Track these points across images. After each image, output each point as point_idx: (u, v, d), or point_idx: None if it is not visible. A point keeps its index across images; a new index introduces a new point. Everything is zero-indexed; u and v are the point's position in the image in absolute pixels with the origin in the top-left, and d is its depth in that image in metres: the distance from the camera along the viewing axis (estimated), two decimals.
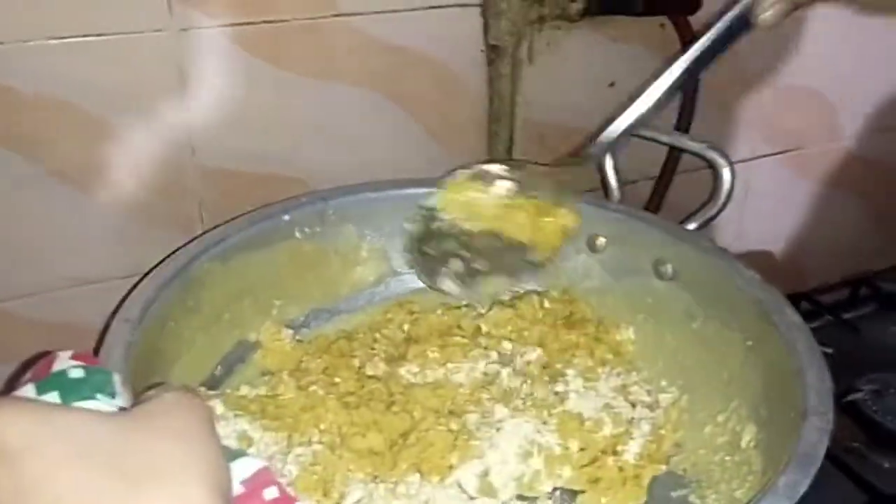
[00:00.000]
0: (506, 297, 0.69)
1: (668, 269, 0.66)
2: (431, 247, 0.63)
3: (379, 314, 0.71)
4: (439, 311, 0.70)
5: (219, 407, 0.57)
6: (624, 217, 0.69)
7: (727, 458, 0.57)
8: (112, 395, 0.33)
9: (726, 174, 0.66)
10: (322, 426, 0.58)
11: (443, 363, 0.63)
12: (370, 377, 0.62)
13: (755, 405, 0.56)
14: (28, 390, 0.33)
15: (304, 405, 0.59)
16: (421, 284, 0.73)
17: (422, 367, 0.63)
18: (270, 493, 0.33)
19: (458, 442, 0.56)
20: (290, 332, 0.68)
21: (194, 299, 0.61)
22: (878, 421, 0.70)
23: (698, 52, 0.60)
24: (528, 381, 0.62)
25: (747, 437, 0.56)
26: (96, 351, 0.53)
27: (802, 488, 0.42)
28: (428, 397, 0.60)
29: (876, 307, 0.82)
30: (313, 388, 0.60)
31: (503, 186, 0.61)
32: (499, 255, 0.61)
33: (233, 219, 0.66)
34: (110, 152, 0.66)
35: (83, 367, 0.34)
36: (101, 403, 0.33)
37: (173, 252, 0.62)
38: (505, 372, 0.63)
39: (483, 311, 0.69)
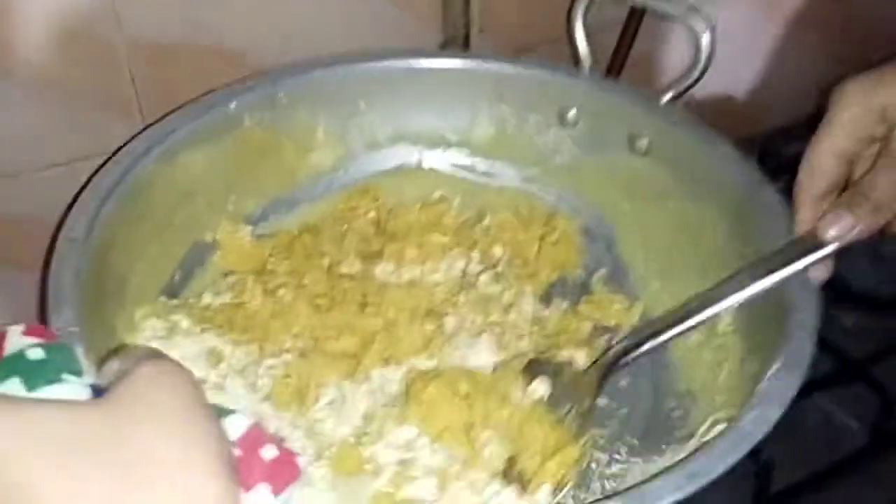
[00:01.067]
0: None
1: (644, 143, 0.63)
2: None
3: (341, 202, 0.67)
4: (418, 207, 0.66)
5: (183, 321, 0.54)
6: (596, 88, 0.65)
7: (703, 340, 0.57)
8: (78, 372, 0.30)
9: (705, 40, 0.61)
10: (294, 331, 0.56)
11: (421, 262, 0.61)
12: (342, 276, 0.60)
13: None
14: None
15: (274, 311, 0.57)
16: (383, 167, 0.70)
17: (397, 266, 0.61)
18: (269, 452, 0.31)
19: (431, 345, 0.55)
20: (249, 228, 0.64)
21: (142, 205, 0.57)
22: (841, 278, 0.69)
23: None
24: (511, 290, 0.60)
25: (726, 320, 0.55)
26: (44, 275, 0.49)
27: (792, 391, 0.42)
28: (403, 298, 0.58)
29: None
30: (281, 292, 0.57)
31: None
32: None
33: (173, 111, 0.61)
34: (24, 27, 0.58)
35: (41, 345, 0.31)
36: (71, 385, 0.30)
37: (113, 154, 0.57)
38: (484, 278, 0.60)
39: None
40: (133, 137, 0.58)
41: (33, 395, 0.29)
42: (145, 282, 0.57)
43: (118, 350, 0.33)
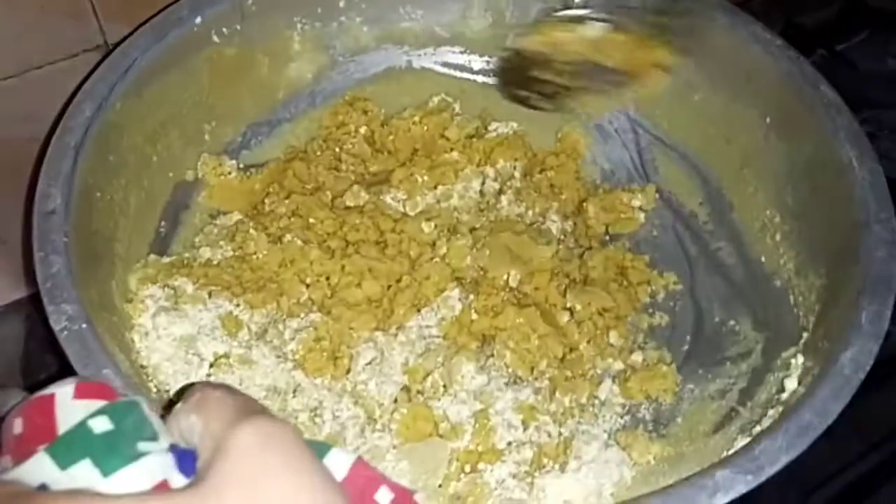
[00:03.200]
0: None
1: None
2: (519, 81, 0.53)
3: (327, 118, 0.60)
4: (416, 119, 0.59)
5: (187, 285, 0.48)
6: None
7: None
8: (154, 435, 0.25)
9: None
10: (308, 280, 0.51)
11: (433, 187, 0.55)
12: (349, 209, 0.54)
13: (777, 191, 0.52)
14: (41, 462, 0.24)
15: (283, 260, 0.51)
16: (371, 72, 0.62)
17: (410, 194, 0.55)
18: (383, 496, 0.27)
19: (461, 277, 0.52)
20: (233, 162, 0.57)
21: (115, 151, 0.49)
22: None
23: None
24: (534, 209, 0.55)
25: (769, 229, 0.52)
26: (26, 256, 0.42)
27: (885, 320, 0.40)
28: (422, 231, 0.52)
29: (868, 32, 0.75)
30: (288, 237, 0.51)
31: (594, 26, 0.49)
32: (591, 74, 0.51)
33: (131, 33, 0.52)
34: None
35: (104, 410, 0.25)
36: (152, 459, 0.24)
37: (72, 96, 0.48)
38: (505, 198, 0.56)
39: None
40: (88, 76, 0.49)
41: (111, 479, 0.24)
42: (132, 240, 0.50)
43: (184, 391, 0.27)
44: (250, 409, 0.25)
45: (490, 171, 0.57)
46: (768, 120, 0.53)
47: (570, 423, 0.48)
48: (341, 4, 0.59)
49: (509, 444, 0.45)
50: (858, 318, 0.40)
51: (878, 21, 0.75)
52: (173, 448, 0.25)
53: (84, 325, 0.38)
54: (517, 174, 0.57)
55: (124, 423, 0.25)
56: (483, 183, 0.56)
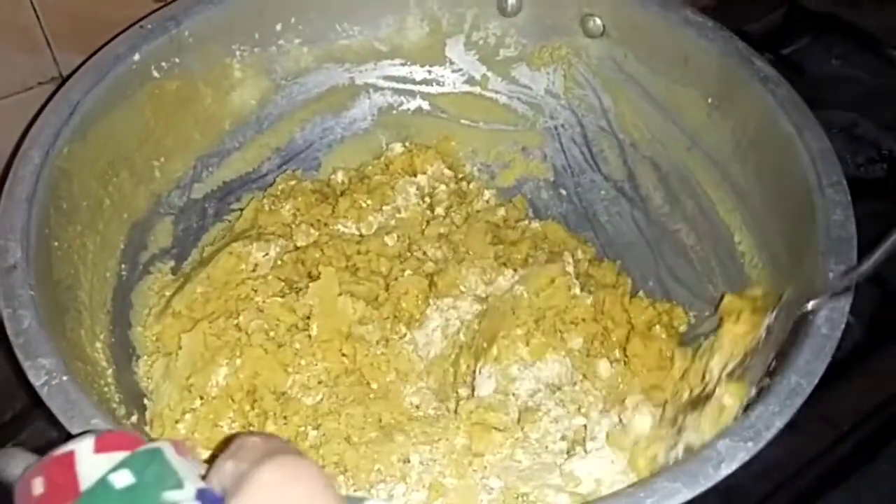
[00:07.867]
0: None
1: (598, 23, 0.58)
2: None
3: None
4: None
5: None
6: None
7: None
8: (178, 483, 0.24)
9: None
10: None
11: (377, 209, 0.56)
12: (299, 248, 0.54)
13: (726, 167, 0.54)
14: None
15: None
16: (314, 92, 0.62)
17: (357, 220, 0.55)
18: None
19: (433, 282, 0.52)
20: None
21: (67, 198, 0.48)
22: None
23: None
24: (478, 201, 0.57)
25: (723, 206, 0.54)
26: None
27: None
28: (384, 245, 0.53)
29: (812, 37, 0.77)
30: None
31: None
32: None
33: (71, 74, 0.50)
34: None
35: (125, 463, 0.24)
36: None
37: (21, 142, 0.47)
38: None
39: None
40: (32, 121, 0.48)
41: None
42: (94, 287, 0.49)
43: (230, 440, 0.27)
44: (280, 450, 0.25)
45: (423, 178, 0.58)
46: (710, 101, 0.54)
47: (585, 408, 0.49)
48: (278, 28, 0.59)
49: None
50: (826, 279, 0.41)
51: (820, 25, 0.77)
52: (201, 494, 0.25)
53: (65, 378, 0.37)
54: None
55: (146, 474, 0.24)
56: (423, 189, 0.57)
